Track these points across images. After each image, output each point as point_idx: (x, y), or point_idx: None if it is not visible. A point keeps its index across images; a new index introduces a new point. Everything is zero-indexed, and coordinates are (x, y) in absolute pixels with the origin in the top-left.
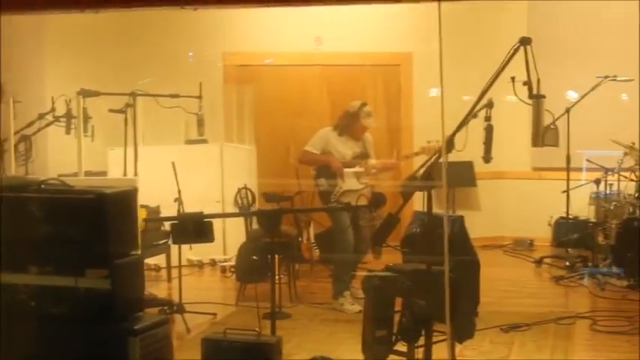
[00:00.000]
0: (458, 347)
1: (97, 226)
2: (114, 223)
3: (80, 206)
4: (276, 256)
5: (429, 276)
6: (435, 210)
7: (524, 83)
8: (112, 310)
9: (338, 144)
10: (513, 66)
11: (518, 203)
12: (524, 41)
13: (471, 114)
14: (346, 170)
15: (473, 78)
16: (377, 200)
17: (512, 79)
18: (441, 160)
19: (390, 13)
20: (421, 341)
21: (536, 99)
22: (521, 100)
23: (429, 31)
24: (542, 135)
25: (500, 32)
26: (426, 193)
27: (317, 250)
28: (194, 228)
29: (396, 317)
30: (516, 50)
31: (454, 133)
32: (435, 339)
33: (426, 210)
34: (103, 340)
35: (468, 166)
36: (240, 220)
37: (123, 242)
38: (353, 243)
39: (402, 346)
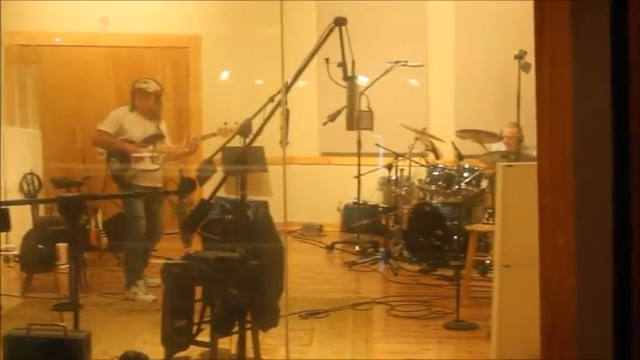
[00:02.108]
0: (260, 335)
1: None
2: None
3: None
4: (65, 244)
5: (235, 263)
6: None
7: (339, 64)
8: None
9: (133, 124)
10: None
11: (307, 189)
12: (339, 22)
13: (273, 100)
14: (140, 153)
15: (265, 62)
16: (186, 186)
17: (327, 60)
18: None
19: None
20: None
21: (351, 81)
22: (335, 82)
23: (217, 13)
24: (357, 118)
25: (290, 17)
26: (239, 177)
27: (105, 238)
28: None
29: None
30: (331, 30)
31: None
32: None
33: (227, 195)
34: None
35: (259, 151)
36: (24, 207)
37: None
38: (145, 230)
39: (203, 336)
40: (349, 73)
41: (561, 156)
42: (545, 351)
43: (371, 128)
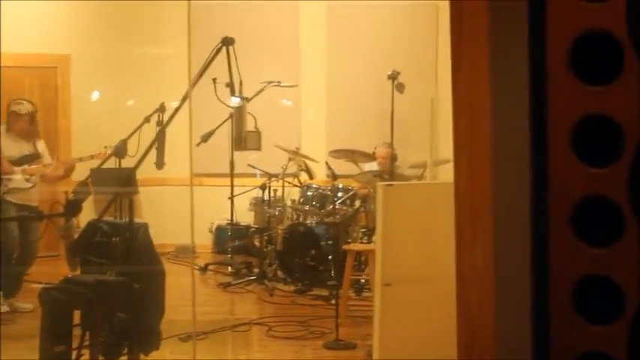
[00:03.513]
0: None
1: None
2: None
3: None
4: None
5: (115, 287)
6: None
7: (227, 85)
8: None
9: (8, 144)
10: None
11: (179, 210)
12: (227, 41)
13: (149, 120)
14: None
15: (136, 83)
16: (72, 208)
17: (214, 80)
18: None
19: (48, 12)
20: None
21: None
22: (222, 102)
23: (87, 33)
24: (245, 138)
25: (160, 32)
26: (126, 199)
27: None
28: None
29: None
30: (219, 50)
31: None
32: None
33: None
34: None
35: (130, 172)
36: None
37: None
38: (19, 252)
39: None
40: (237, 93)
41: (479, 172)
42: None
43: (259, 149)
